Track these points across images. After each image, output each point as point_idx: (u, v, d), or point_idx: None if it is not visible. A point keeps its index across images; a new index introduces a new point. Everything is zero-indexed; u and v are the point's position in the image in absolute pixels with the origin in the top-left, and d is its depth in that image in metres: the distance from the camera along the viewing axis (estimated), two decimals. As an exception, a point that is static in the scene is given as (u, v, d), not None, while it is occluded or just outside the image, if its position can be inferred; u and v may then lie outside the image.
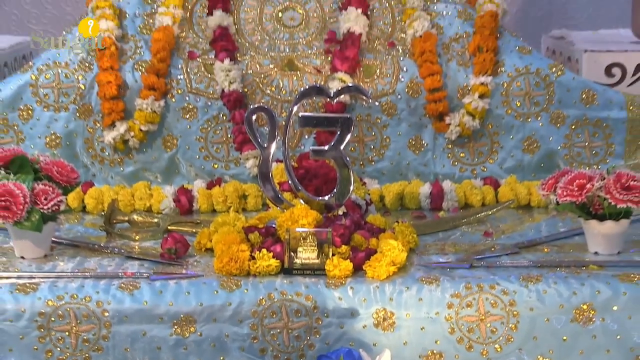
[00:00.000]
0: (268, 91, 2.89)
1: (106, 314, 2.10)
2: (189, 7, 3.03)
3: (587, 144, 2.91)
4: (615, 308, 2.13)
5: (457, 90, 2.90)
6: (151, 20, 2.99)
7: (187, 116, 2.87)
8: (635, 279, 2.16)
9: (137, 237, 2.51)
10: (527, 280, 2.16)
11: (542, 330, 2.13)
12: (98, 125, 2.86)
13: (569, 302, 2.13)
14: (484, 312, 2.13)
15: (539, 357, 2.13)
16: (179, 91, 2.87)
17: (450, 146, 2.90)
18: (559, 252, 2.37)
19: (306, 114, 2.43)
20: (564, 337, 2.13)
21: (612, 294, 2.13)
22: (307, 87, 2.52)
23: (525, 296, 2.13)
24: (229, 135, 2.86)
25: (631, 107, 2.91)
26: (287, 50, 2.96)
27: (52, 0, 5.36)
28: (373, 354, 2.07)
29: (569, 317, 2.13)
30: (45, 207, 2.25)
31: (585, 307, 2.13)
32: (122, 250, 2.37)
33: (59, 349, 2.10)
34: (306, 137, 2.84)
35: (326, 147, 2.35)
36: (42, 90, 2.87)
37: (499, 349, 2.12)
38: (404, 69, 2.91)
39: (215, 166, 2.87)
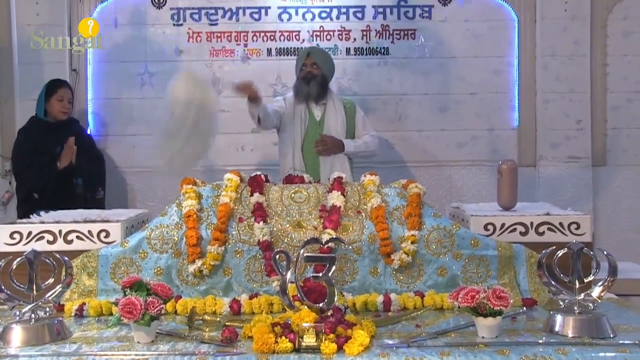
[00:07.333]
0: (286, 240, 2.91)
1: (188, 377, 2.08)
2: (240, 191, 3.08)
3: (475, 270, 2.92)
4: (495, 370, 2.12)
5: (397, 239, 2.92)
6: (217, 199, 3.03)
7: (238, 256, 2.88)
8: (507, 353, 2.16)
9: (207, 330, 2.48)
10: (442, 354, 2.15)
11: (452, 385, 2.10)
12: (185, 261, 2.87)
13: (468, 367, 2.12)
14: (417, 374, 2.11)
15: (450, 402, 2.10)
16: (233, 241, 2.89)
17: (394, 272, 2.90)
18: (460, 336, 2.35)
19: (308, 254, 2.45)
20: (466, 389, 2.10)
21: (493, 362, 2.13)
22: (308, 238, 2.55)
23: (441, 364, 2.12)
24: (262, 267, 2.87)
25: (500, 248, 2.93)
26: (297, 216, 2.99)
27: (162, 186, 5.46)
28: (350, 401, 2.05)
29: (468, 376, 2.11)
30: (153, 312, 2.26)
31: (477, 370, 2.11)
32: (198, 338, 2.35)
33: (158, 399, 2.07)
34: (308, 268, 2.84)
35: (320, 274, 2.37)
36: (153, 241, 2.89)
37: (426, 397, 2.09)
38: (366, 226, 2.94)
39: (255, 285, 2.86)
